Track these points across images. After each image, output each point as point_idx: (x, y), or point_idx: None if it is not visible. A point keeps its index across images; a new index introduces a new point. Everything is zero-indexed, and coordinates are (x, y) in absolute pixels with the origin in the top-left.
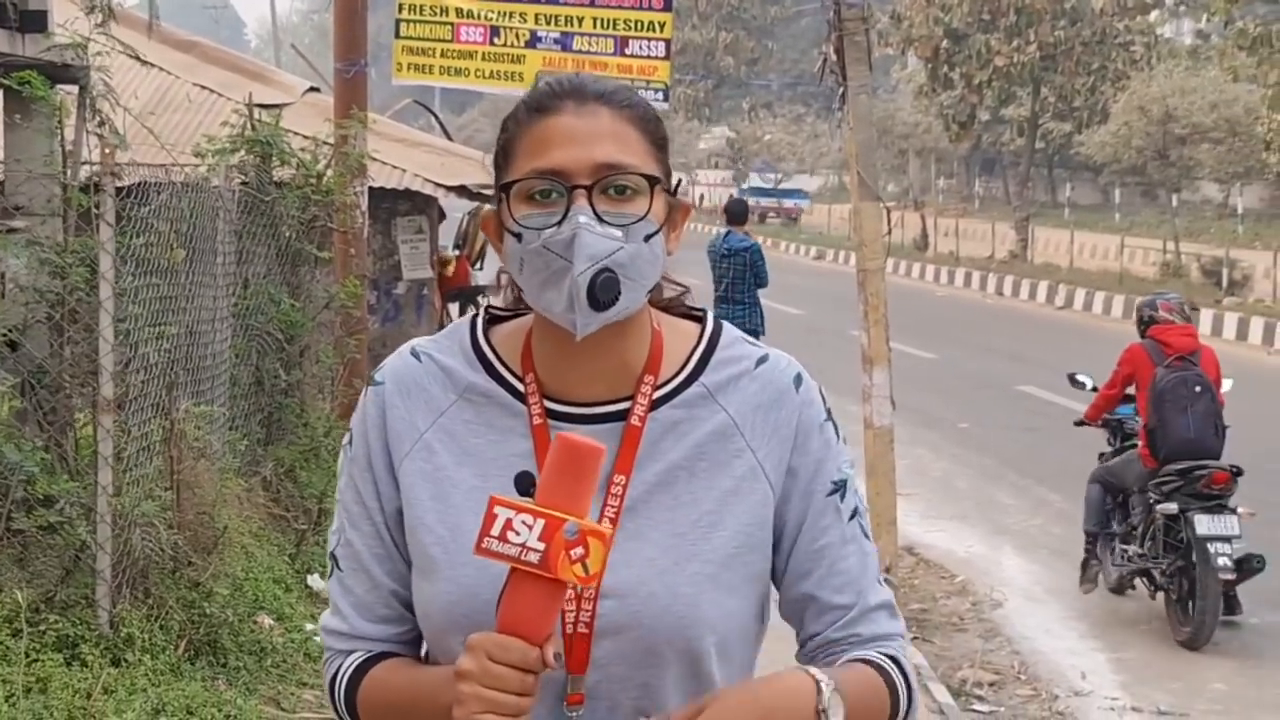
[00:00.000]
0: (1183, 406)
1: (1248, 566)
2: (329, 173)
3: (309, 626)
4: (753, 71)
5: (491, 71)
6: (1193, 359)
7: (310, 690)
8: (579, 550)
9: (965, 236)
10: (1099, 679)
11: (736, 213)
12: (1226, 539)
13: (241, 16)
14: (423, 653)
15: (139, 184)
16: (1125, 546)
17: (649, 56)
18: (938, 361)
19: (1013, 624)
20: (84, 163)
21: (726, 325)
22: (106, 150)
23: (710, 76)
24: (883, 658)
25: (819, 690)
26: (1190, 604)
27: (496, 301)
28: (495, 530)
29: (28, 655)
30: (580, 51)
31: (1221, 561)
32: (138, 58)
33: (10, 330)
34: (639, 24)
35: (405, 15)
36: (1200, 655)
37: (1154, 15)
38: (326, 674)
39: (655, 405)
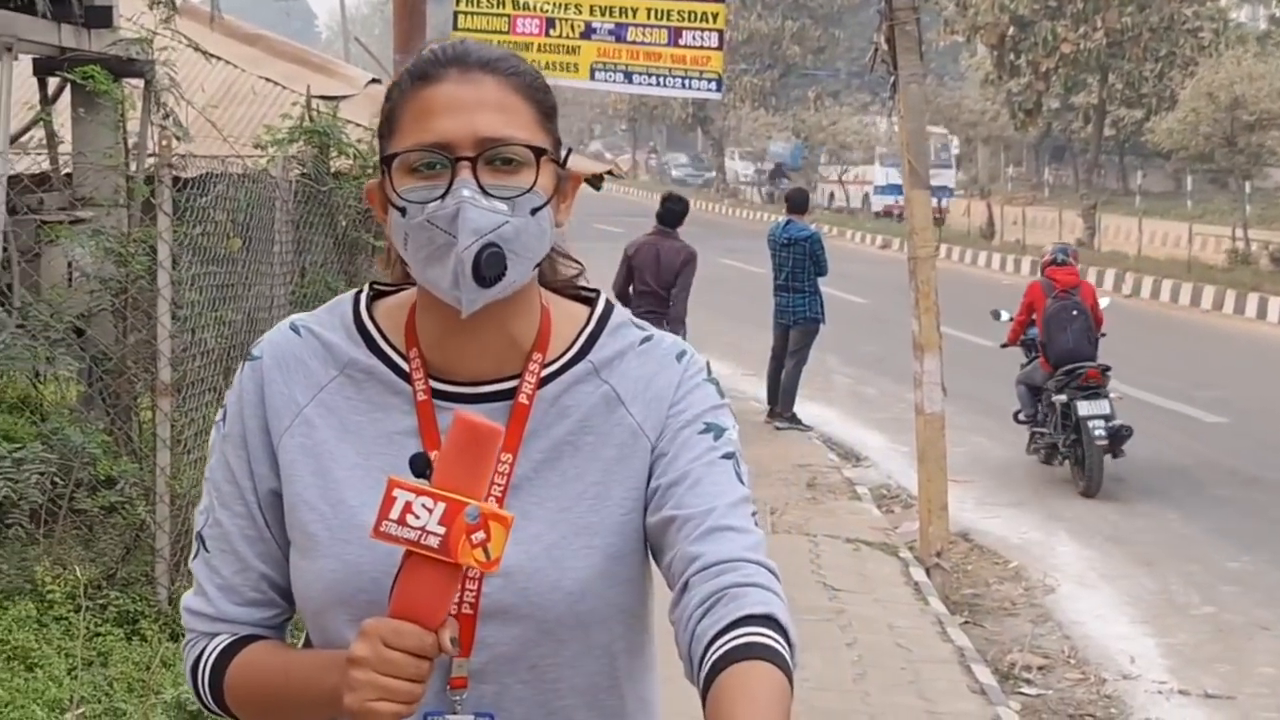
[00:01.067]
0: (1064, 326)
1: (1119, 434)
2: None
3: None
4: (819, 60)
5: (547, 63)
6: (1073, 291)
7: None
8: (480, 534)
9: (1033, 225)
10: (1147, 663)
11: (797, 202)
12: (1101, 416)
13: (313, 9)
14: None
15: (202, 175)
16: (1039, 429)
17: (702, 47)
18: (996, 349)
19: (1064, 609)
20: (148, 155)
21: (617, 307)
22: (164, 142)
23: (776, 65)
24: (764, 635)
25: None
26: (1082, 465)
27: (381, 274)
28: (394, 514)
29: (89, 630)
30: (634, 42)
31: (1098, 433)
32: (200, 50)
33: (77, 317)
34: (692, 15)
35: (463, 7)
36: (1249, 640)
37: (1225, 0)
38: (188, 657)
39: (543, 383)
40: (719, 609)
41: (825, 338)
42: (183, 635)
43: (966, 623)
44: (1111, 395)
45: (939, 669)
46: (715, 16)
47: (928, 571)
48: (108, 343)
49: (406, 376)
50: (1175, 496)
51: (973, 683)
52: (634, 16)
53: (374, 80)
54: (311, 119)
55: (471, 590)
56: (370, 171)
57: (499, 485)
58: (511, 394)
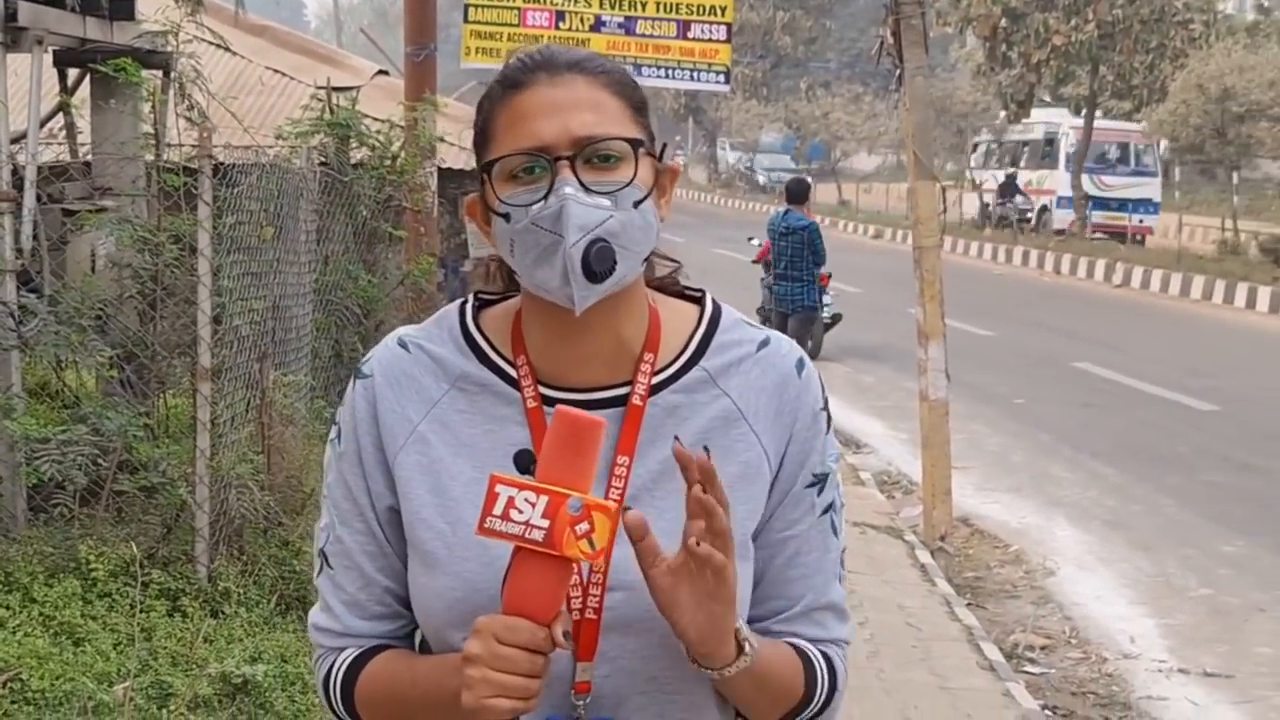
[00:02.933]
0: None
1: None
2: (403, 154)
3: None
4: (811, 51)
5: None
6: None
7: None
8: (584, 526)
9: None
10: (1147, 643)
11: (796, 192)
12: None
13: None
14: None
15: (223, 165)
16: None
17: (710, 40)
18: (995, 339)
19: (1064, 591)
20: (170, 145)
21: (726, 307)
22: (203, 134)
23: (768, 56)
24: (813, 649)
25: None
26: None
27: (485, 286)
28: (497, 509)
29: (134, 606)
30: (644, 35)
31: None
32: (226, 47)
33: (104, 304)
34: (701, 8)
35: (474, 0)
36: (1246, 621)
37: None
38: (319, 672)
39: (655, 390)
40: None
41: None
42: (223, 610)
43: (970, 604)
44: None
45: (949, 646)
46: (723, 10)
47: (932, 554)
48: (136, 329)
49: (517, 385)
50: (1170, 482)
51: (982, 659)
52: (643, 9)
53: (381, 72)
54: (332, 111)
55: (595, 596)
56: (389, 162)
57: (618, 489)
58: (623, 400)
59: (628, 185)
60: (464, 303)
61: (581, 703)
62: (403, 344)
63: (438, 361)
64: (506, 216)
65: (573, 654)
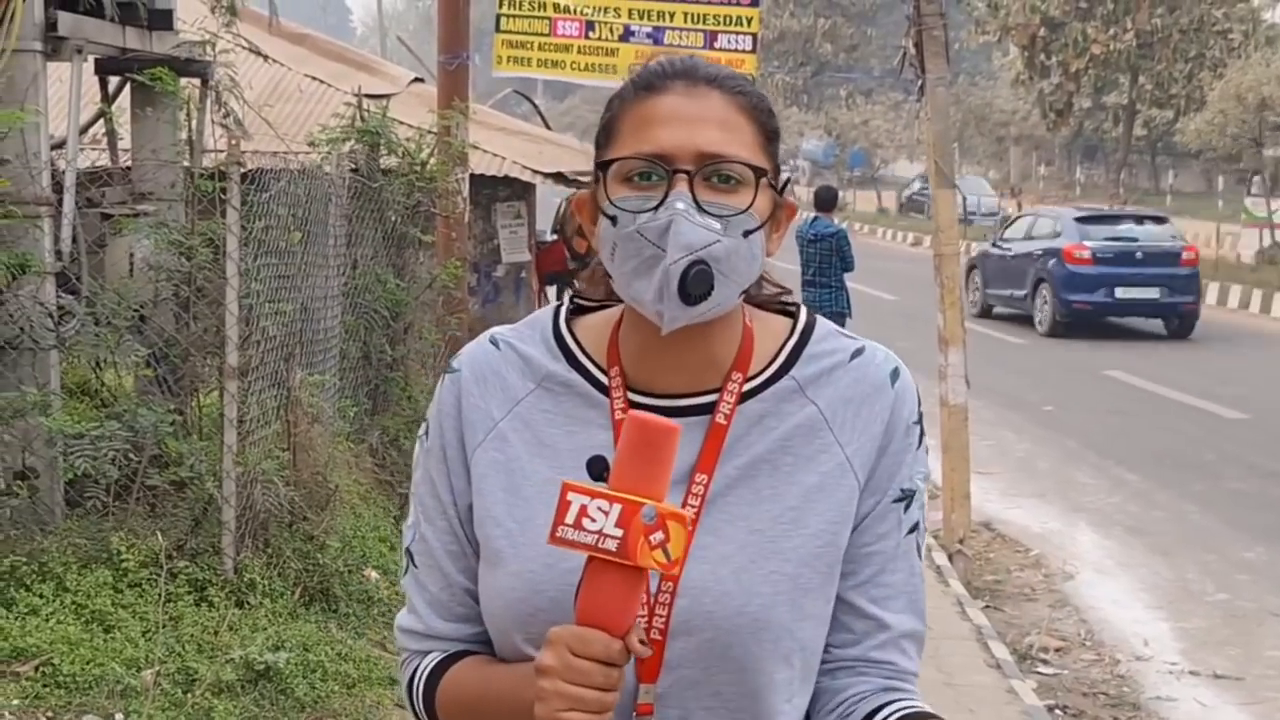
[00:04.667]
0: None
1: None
2: (432, 160)
3: None
4: (852, 58)
5: (586, 64)
6: None
7: None
8: (658, 535)
9: None
10: (1160, 645)
11: (825, 199)
12: None
13: (347, 3)
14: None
15: (256, 170)
16: None
17: (737, 50)
18: (1027, 346)
19: (1082, 595)
20: (206, 151)
21: (821, 319)
22: (233, 140)
23: (809, 64)
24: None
25: None
26: None
27: (587, 290)
28: (569, 518)
29: (162, 596)
30: (671, 45)
31: None
32: (260, 54)
33: (140, 305)
34: (728, 19)
35: (505, 10)
36: (1260, 625)
37: (1258, 0)
38: (404, 676)
39: (742, 399)
40: (893, 701)
41: (855, 332)
42: (248, 601)
43: (988, 607)
44: None
45: (957, 645)
46: (750, 20)
47: (950, 557)
48: (169, 330)
49: (605, 390)
50: (1194, 489)
51: (989, 658)
52: (671, 20)
53: (417, 79)
54: (363, 118)
55: (661, 616)
56: (419, 168)
57: (693, 505)
58: (708, 409)
59: (742, 213)
60: (558, 307)
61: None
62: (494, 341)
63: (526, 360)
64: (614, 220)
65: (635, 675)
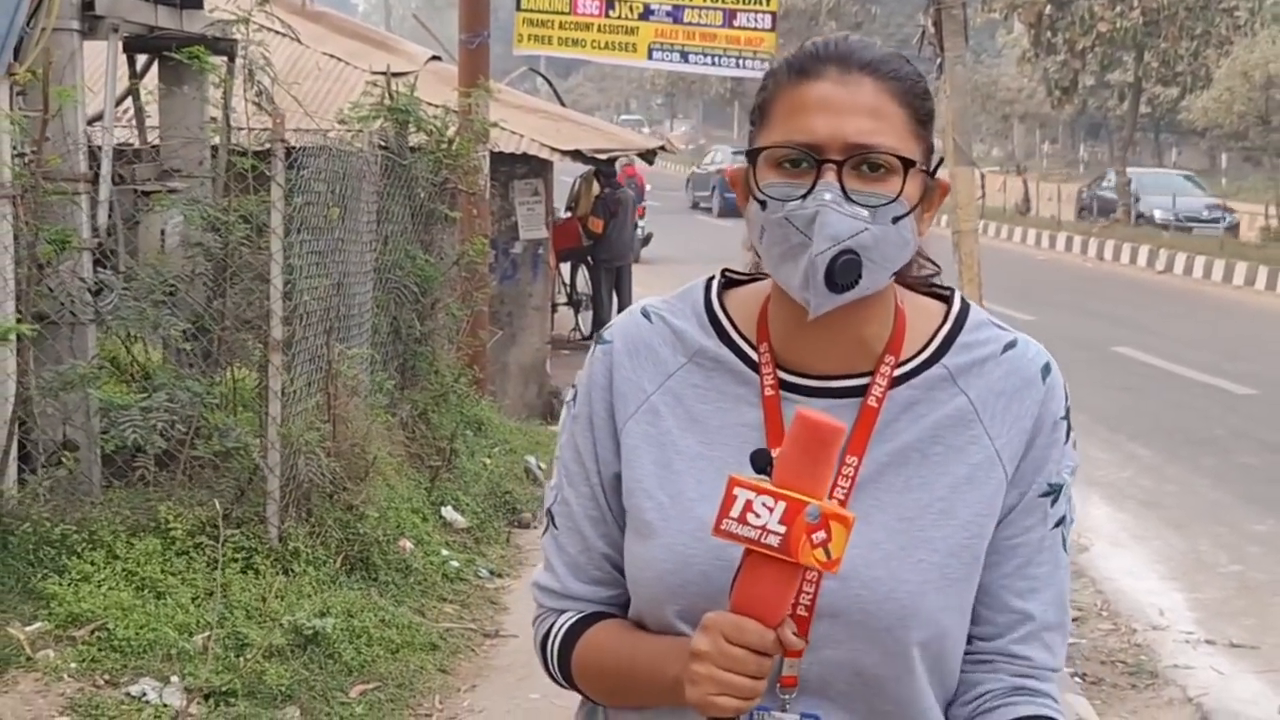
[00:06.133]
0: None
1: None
2: (457, 138)
3: (444, 552)
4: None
5: (606, 42)
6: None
7: (449, 605)
8: (821, 534)
9: (1068, 201)
10: (1176, 615)
11: None
12: None
13: None
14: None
15: (291, 148)
16: None
17: (755, 28)
18: (1036, 323)
19: (1097, 567)
20: (239, 128)
21: (974, 307)
22: (278, 120)
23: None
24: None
25: None
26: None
27: (736, 265)
28: (735, 512)
29: (210, 563)
30: (690, 24)
31: None
32: (295, 37)
33: (175, 281)
34: None
35: None
36: (1274, 596)
37: None
38: (538, 633)
39: (894, 384)
40: (1021, 704)
41: None
42: (293, 569)
43: None
44: None
45: None
46: None
47: None
48: (204, 304)
49: (755, 367)
50: (1205, 464)
51: None
52: None
53: (434, 57)
54: (392, 96)
55: (808, 594)
56: (445, 146)
57: (843, 488)
58: (860, 391)
59: (891, 202)
60: (710, 279)
61: (788, 697)
62: (645, 314)
63: (678, 334)
64: (763, 204)
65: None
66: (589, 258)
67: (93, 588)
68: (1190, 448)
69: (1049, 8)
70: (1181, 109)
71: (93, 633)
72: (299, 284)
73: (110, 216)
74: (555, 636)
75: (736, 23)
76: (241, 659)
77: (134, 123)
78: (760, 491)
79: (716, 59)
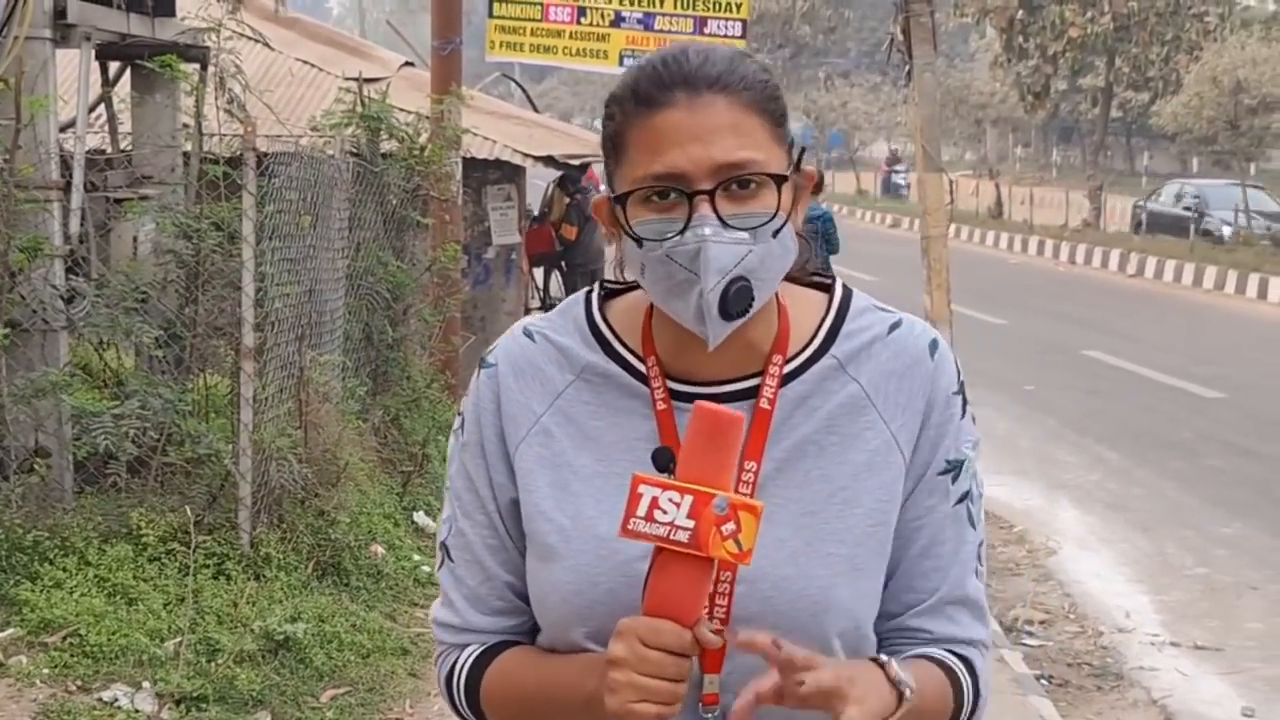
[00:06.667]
0: None
1: None
2: (429, 145)
3: (416, 557)
4: (830, 40)
5: (578, 49)
6: None
7: (420, 609)
8: (730, 526)
9: (1040, 205)
10: (1142, 618)
11: None
12: None
13: None
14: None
15: (263, 155)
16: None
17: (726, 36)
18: (1007, 327)
19: (1065, 569)
20: (210, 135)
21: (856, 292)
22: (249, 128)
23: (787, 45)
24: (952, 658)
25: (885, 665)
26: None
27: (612, 275)
28: (641, 510)
29: (182, 570)
30: (661, 31)
31: None
32: (265, 43)
33: (147, 288)
34: (717, 4)
35: None
36: (1238, 598)
37: None
38: (441, 671)
39: (784, 382)
40: (926, 649)
41: None
42: (265, 574)
43: None
44: None
45: None
46: (739, 5)
47: None
48: (174, 313)
49: (644, 378)
50: (1172, 467)
51: None
52: (661, 5)
53: (407, 63)
54: (363, 103)
55: (721, 606)
56: (417, 153)
57: (744, 493)
58: (752, 393)
59: (769, 220)
60: (589, 293)
61: (711, 714)
62: (528, 333)
63: (563, 352)
64: (639, 242)
65: (699, 666)
66: (562, 263)
67: (65, 594)
68: (1158, 451)
69: (1021, 13)
70: (1153, 114)
71: (65, 639)
72: (271, 291)
73: (83, 224)
74: (460, 672)
75: (707, 30)
76: (213, 664)
77: (107, 129)
78: (665, 487)
79: None
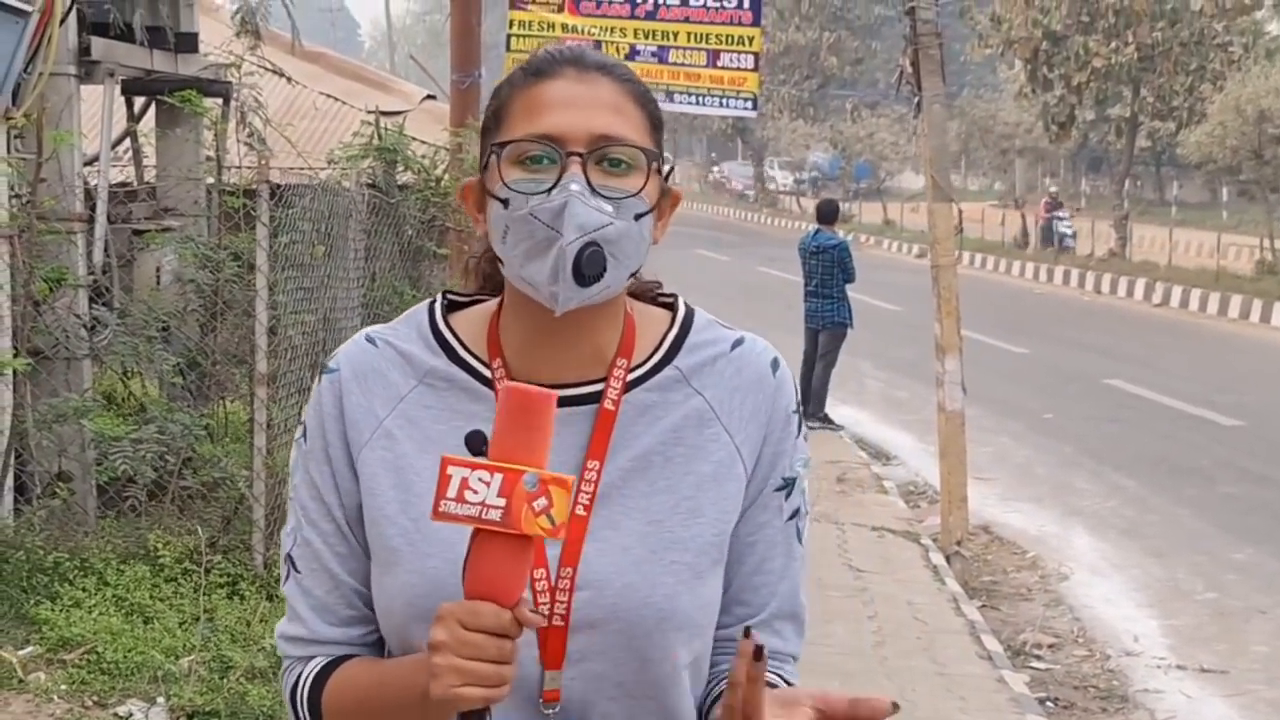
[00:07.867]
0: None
1: None
2: (446, 176)
3: None
4: (856, 71)
5: None
6: None
7: None
8: (542, 501)
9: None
10: (1150, 642)
11: (826, 212)
12: None
13: (356, 18)
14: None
15: (280, 187)
16: None
17: (739, 69)
18: (1029, 356)
19: (1076, 595)
20: (230, 167)
21: (699, 310)
22: (262, 159)
23: (814, 76)
24: (776, 677)
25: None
26: None
27: (458, 286)
28: (451, 492)
29: (197, 589)
30: (675, 64)
31: None
32: (285, 76)
33: (169, 317)
34: (730, 38)
35: (516, 31)
36: (1246, 622)
37: (1260, 13)
38: (286, 685)
39: (628, 388)
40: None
41: (859, 343)
42: (277, 594)
43: (984, 605)
44: None
45: (951, 639)
46: (751, 40)
47: (948, 558)
48: (196, 340)
49: (488, 382)
50: (1188, 494)
51: (981, 650)
52: (675, 39)
53: (429, 96)
54: (380, 136)
55: (563, 602)
56: (433, 184)
57: (587, 493)
58: (596, 397)
59: (634, 195)
60: (432, 302)
61: (551, 711)
62: (370, 339)
63: (406, 357)
64: (505, 202)
65: (540, 662)
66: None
67: (84, 613)
68: (1174, 478)
69: (1045, 44)
70: (1179, 143)
71: (83, 656)
72: (285, 319)
73: (106, 254)
74: (304, 685)
75: (720, 63)
76: (225, 681)
77: (132, 163)
78: (474, 467)
79: (700, 98)
